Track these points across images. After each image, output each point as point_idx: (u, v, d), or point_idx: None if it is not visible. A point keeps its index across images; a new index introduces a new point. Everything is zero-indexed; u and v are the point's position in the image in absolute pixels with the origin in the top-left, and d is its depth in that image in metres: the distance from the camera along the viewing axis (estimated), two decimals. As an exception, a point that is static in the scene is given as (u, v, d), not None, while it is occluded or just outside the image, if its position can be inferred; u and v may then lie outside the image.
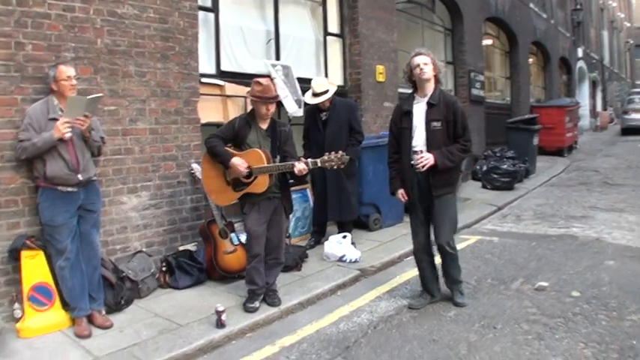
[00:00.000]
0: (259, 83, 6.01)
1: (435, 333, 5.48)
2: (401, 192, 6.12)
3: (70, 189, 5.48)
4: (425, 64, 5.84)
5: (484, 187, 14.23)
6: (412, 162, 5.91)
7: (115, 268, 6.31)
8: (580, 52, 33.56)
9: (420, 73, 5.85)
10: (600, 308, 5.90)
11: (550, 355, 4.88)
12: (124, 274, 6.26)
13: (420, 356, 5.01)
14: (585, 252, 8.15)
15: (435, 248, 6.27)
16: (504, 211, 11.85)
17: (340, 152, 5.88)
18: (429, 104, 5.89)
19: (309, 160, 5.94)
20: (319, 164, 5.89)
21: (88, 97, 5.45)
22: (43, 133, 5.34)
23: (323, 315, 6.11)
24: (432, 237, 6.16)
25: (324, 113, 8.32)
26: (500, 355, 4.93)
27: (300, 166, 5.82)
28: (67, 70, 5.55)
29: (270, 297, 6.19)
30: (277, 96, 6.22)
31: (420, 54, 5.93)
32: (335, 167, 5.92)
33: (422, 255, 6.25)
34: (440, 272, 6.36)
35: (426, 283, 6.36)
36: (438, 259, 6.30)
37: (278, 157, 6.08)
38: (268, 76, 8.35)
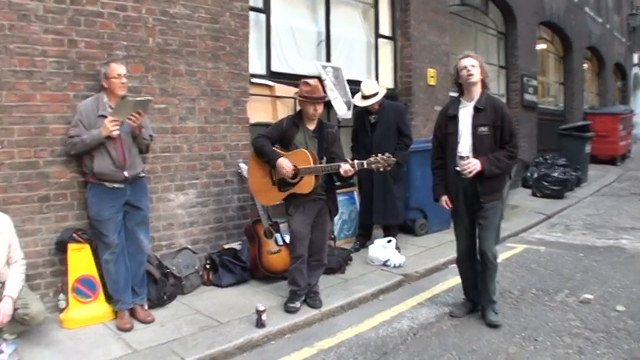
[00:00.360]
0: (307, 84, 6.04)
1: (475, 343, 5.42)
2: (445, 199, 5.99)
3: (116, 185, 5.60)
4: (472, 66, 5.65)
5: (534, 194, 14.07)
6: (457, 168, 5.75)
7: (159, 263, 6.41)
8: (636, 57, 33.01)
9: (467, 76, 5.66)
10: (645, 324, 5.78)
11: (589, 371, 4.80)
12: (168, 270, 6.36)
13: (458, 366, 5.00)
14: (633, 265, 8.01)
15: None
16: (553, 220, 11.70)
17: (387, 154, 5.85)
18: (476, 109, 5.69)
19: (356, 161, 5.91)
20: (365, 166, 5.86)
21: (137, 98, 5.59)
22: (91, 130, 5.47)
23: (363, 319, 6.10)
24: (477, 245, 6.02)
25: (373, 116, 8.29)
26: (538, 369, 4.88)
27: (346, 167, 5.79)
28: (118, 68, 5.65)
29: (311, 298, 6.21)
30: (325, 96, 6.21)
31: (467, 56, 5.76)
32: (381, 169, 5.88)
33: (465, 263, 6.13)
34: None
35: (468, 291, 6.23)
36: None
37: (325, 158, 6.09)
38: (318, 77, 8.39)
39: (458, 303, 6.37)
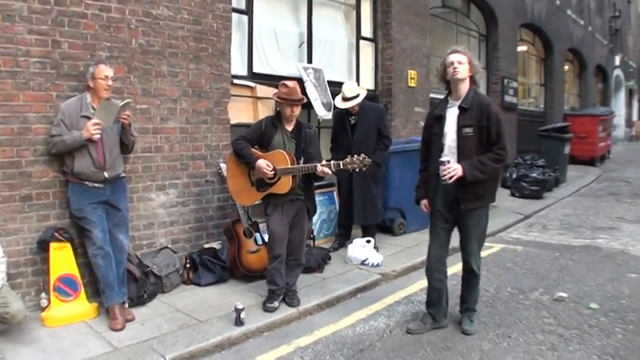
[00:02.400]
0: (285, 85, 6.13)
1: (450, 340, 5.52)
2: (424, 203, 5.77)
3: (96, 185, 5.70)
4: (460, 62, 5.34)
5: (512, 195, 14.19)
6: (439, 172, 5.40)
7: (140, 262, 6.47)
8: (617, 60, 33.22)
9: (453, 73, 5.35)
10: (617, 321, 5.89)
11: (562, 367, 4.90)
12: (148, 268, 6.41)
13: (432, 362, 5.08)
14: (608, 264, 8.14)
15: (450, 266, 5.98)
16: (531, 220, 11.86)
17: (362, 155, 5.93)
18: (461, 108, 5.37)
19: (332, 161, 6.02)
20: (342, 166, 5.95)
21: (120, 103, 5.65)
22: (73, 132, 5.55)
23: (341, 317, 6.19)
24: (448, 255, 5.86)
25: (353, 117, 8.38)
26: (511, 365, 4.97)
27: (322, 168, 5.90)
28: (106, 70, 5.73)
29: (289, 297, 6.29)
30: (303, 98, 6.28)
31: (455, 52, 5.44)
32: (357, 169, 5.97)
33: (434, 273, 5.76)
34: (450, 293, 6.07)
35: (431, 305, 5.86)
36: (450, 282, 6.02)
37: (302, 158, 6.17)
38: (298, 78, 8.51)
39: (417, 318, 6.04)
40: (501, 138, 5.39)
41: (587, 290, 6.93)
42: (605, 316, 6.07)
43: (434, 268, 5.77)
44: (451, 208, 5.58)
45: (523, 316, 6.12)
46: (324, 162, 5.98)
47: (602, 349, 5.23)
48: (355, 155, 5.93)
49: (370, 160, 6.01)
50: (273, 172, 6.02)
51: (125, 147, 6.02)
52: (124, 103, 5.68)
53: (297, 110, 6.24)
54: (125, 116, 5.70)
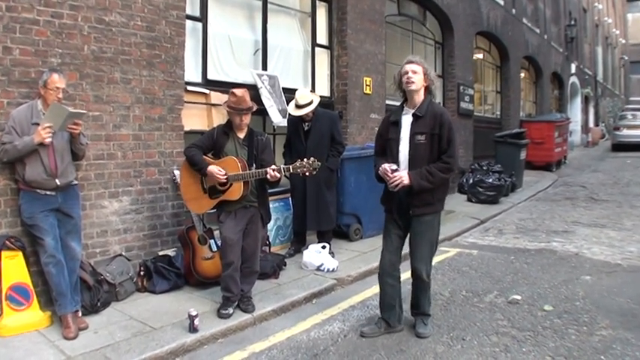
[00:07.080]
0: (234, 94, 6.15)
1: (404, 343, 5.56)
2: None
3: (48, 192, 5.63)
4: (414, 72, 5.46)
5: (469, 200, 14.32)
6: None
7: (93, 270, 6.40)
8: (573, 67, 33.64)
9: (406, 82, 5.47)
10: (571, 323, 5.97)
11: (515, 368, 4.94)
12: (102, 276, 6.35)
13: (386, 366, 5.10)
14: (563, 267, 8.24)
15: (404, 271, 6.05)
16: (487, 224, 11.96)
17: (312, 158, 5.98)
18: (415, 116, 5.49)
19: (282, 166, 6.07)
20: (292, 170, 6.02)
21: (71, 110, 5.58)
22: (24, 137, 5.47)
23: (296, 322, 6.20)
24: (402, 260, 5.96)
25: (307, 123, 8.43)
26: (465, 367, 5.01)
27: (272, 172, 5.92)
28: (59, 81, 5.65)
29: (244, 303, 6.28)
30: (251, 107, 6.30)
31: (410, 62, 5.54)
32: (307, 173, 6.01)
33: (386, 278, 5.83)
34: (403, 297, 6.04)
35: (384, 310, 5.90)
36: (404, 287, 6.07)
37: (254, 165, 6.19)
38: (253, 86, 8.56)
39: (372, 321, 6.08)
40: (451, 145, 5.49)
41: (542, 292, 7.02)
42: (559, 317, 6.15)
43: (386, 273, 5.83)
44: (403, 213, 5.68)
45: (477, 318, 6.18)
46: (273, 167, 6.00)
47: (555, 350, 5.30)
48: (305, 159, 5.98)
49: (320, 164, 6.07)
50: (225, 177, 6.03)
51: (75, 155, 5.95)
52: (76, 112, 5.64)
53: (247, 119, 6.26)
54: (74, 127, 5.62)
